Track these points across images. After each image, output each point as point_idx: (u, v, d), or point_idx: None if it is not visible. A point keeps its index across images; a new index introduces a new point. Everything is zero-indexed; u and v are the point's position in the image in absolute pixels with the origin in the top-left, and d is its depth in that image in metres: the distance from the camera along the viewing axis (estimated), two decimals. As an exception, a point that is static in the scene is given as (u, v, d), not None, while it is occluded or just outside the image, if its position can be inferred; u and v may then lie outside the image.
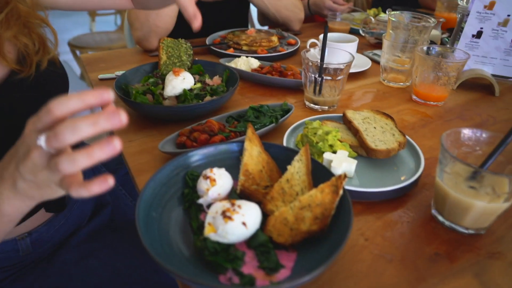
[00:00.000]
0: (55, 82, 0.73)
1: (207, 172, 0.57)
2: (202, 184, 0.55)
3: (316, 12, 1.72)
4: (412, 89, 0.98)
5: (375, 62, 1.24)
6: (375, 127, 0.74)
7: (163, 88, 0.87)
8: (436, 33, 1.31)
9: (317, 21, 1.86)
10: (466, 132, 0.58)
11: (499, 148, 0.53)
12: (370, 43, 1.44)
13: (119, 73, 1.09)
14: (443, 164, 0.56)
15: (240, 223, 0.47)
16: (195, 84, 0.89)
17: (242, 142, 0.64)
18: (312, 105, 0.91)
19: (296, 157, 0.59)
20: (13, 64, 0.63)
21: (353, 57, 0.88)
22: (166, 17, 1.20)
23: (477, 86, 1.06)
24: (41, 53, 0.68)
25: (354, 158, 0.71)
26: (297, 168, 0.58)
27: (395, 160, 0.70)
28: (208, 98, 0.85)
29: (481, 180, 0.52)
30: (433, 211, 0.60)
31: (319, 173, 0.57)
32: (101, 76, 1.08)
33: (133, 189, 1.00)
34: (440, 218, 0.59)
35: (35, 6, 0.69)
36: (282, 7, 1.47)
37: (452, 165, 0.54)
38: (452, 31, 1.43)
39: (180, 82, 0.85)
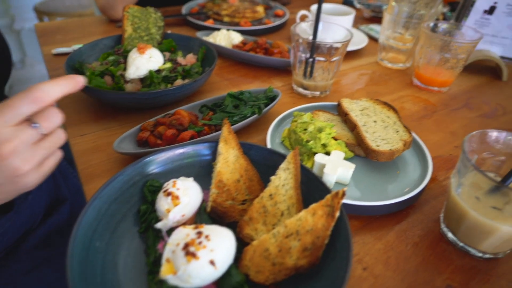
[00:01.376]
0: None
1: (169, 186, 0.45)
2: (162, 203, 0.44)
3: None
4: (414, 72, 0.86)
5: (372, 38, 1.11)
6: (375, 121, 0.62)
7: (125, 69, 0.73)
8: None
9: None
10: (494, 134, 0.47)
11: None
12: (365, 17, 1.30)
13: (78, 46, 0.93)
14: (461, 174, 0.45)
15: (207, 262, 0.36)
16: (164, 63, 0.75)
17: (216, 142, 0.52)
18: (301, 90, 0.79)
19: (283, 165, 0.47)
20: None
21: (352, 35, 0.75)
22: None
23: (483, 69, 0.95)
24: None
25: (351, 159, 0.60)
26: (283, 179, 0.46)
27: (397, 161, 0.60)
28: (179, 81, 0.72)
29: (507, 197, 0.42)
30: (443, 228, 0.50)
31: (311, 186, 0.46)
32: (55, 50, 0.93)
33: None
34: (451, 236, 0.49)
35: None
36: None
37: (473, 176, 0.43)
38: (454, 5, 1.30)
39: (145, 62, 0.71)
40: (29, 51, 2.92)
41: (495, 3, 0.88)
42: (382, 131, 0.60)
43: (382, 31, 0.92)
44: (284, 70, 0.89)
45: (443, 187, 0.57)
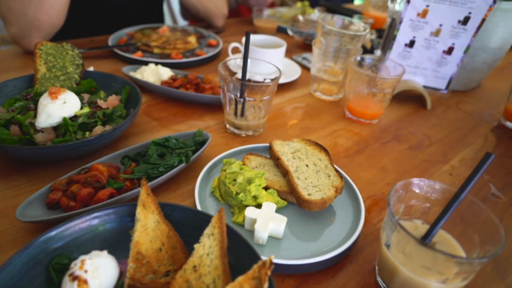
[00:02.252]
0: None
1: (76, 268, 0.39)
2: (66, 292, 0.37)
3: (244, 2, 1.56)
4: (346, 104, 0.88)
5: (305, 68, 1.12)
6: (307, 165, 0.61)
7: (35, 116, 0.65)
8: (366, 35, 1.23)
9: (242, 15, 1.70)
10: (416, 183, 0.47)
11: (443, 216, 0.42)
12: (299, 45, 1.32)
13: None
14: (389, 228, 0.44)
15: None
16: (81, 108, 0.68)
17: (134, 205, 0.47)
18: (234, 129, 0.76)
19: (207, 230, 0.43)
20: None
21: (280, 72, 0.74)
22: (51, 10, 0.95)
23: (409, 98, 1.00)
24: None
25: (284, 208, 0.57)
26: (208, 247, 0.42)
27: (330, 207, 0.58)
28: (99, 127, 0.66)
29: (432, 253, 0.42)
30: (378, 279, 0.49)
31: (240, 252, 0.43)
32: (-43, 91, 0.82)
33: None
34: None
35: None
36: None
37: (398, 231, 0.43)
38: (381, 32, 1.37)
39: (59, 108, 0.64)
40: None
41: (414, 37, 0.93)
42: (314, 176, 0.58)
43: (312, 64, 0.93)
44: (217, 106, 0.86)
45: (377, 231, 0.57)
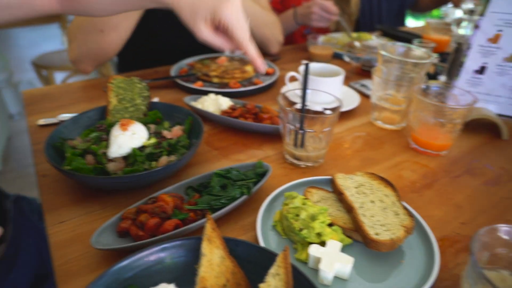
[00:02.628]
0: None
1: (145, 302, 0.40)
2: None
3: (304, 22, 1.55)
4: (410, 134, 0.84)
5: (364, 95, 1.10)
6: (372, 201, 0.58)
7: (108, 146, 0.70)
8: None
9: (296, 42, 1.72)
10: (504, 229, 0.43)
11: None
12: (356, 71, 1.30)
13: (64, 116, 0.91)
14: (472, 278, 0.40)
15: None
16: (148, 139, 0.72)
17: (199, 239, 0.47)
18: (293, 160, 0.76)
19: (272, 270, 0.42)
20: None
21: (341, 103, 0.73)
22: (111, 44, 1.03)
23: (481, 126, 0.93)
24: None
25: (349, 246, 0.55)
26: (274, 287, 0.41)
27: (400, 247, 0.55)
28: (164, 158, 0.68)
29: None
30: (458, 332, 0.45)
31: (305, 294, 0.41)
32: (41, 121, 0.90)
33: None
34: None
35: None
36: (262, 24, 1.31)
37: (485, 286, 0.38)
38: (444, 55, 1.31)
39: (128, 139, 0.68)
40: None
41: (485, 63, 0.87)
42: (380, 214, 0.55)
43: (373, 92, 0.91)
44: (275, 135, 0.86)
45: (454, 277, 0.52)
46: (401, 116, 0.90)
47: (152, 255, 0.47)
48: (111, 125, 0.75)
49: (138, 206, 0.58)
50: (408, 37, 1.46)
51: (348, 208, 0.57)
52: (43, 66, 2.74)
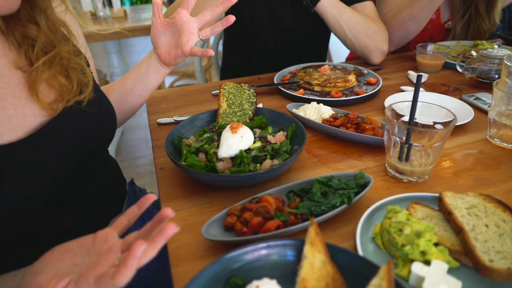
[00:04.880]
0: (88, 122, 0.70)
1: (252, 292, 0.44)
2: (243, 312, 0.42)
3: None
4: (535, 156, 0.75)
5: (479, 110, 1.00)
6: (487, 225, 0.54)
7: (218, 146, 0.77)
8: None
9: (410, 50, 1.64)
10: None
11: None
12: (470, 82, 1.20)
13: (178, 118, 1.02)
14: None
15: None
16: (254, 142, 0.77)
17: (301, 240, 0.50)
18: (395, 173, 0.74)
19: (374, 281, 0.43)
20: (46, 105, 0.62)
21: (455, 118, 0.68)
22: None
23: None
24: (75, 94, 0.66)
25: (456, 270, 0.52)
26: (375, 299, 0.41)
27: (517, 279, 0.50)
28: (268, 161, 0.72)
29: None
30: None
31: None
32: (160, 120, 1.03)
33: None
34: None
35: (75, 53, 0.70)
36: (362, 33, 1.28)
37: None
38: None
39: (237, 142, 0.74)
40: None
41: None
42: (496, 240, 0.51)
43: (492, 107, 0.83)
44: (376, 147, 0.84)
45: None
46: (525, 135, 0.81)
47: (257, 251, 0.51)
48: (222, 128, 0.82)
49: (243, 205, 0.63)
50: (537, 46, 1.28)
51: (457, 230, 0.54)
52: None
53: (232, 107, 0.90)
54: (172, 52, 0.84)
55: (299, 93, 1.12)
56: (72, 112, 0.66)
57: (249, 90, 0.92)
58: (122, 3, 2.93)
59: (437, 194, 0.63)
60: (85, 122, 0.69)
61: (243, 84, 0.93)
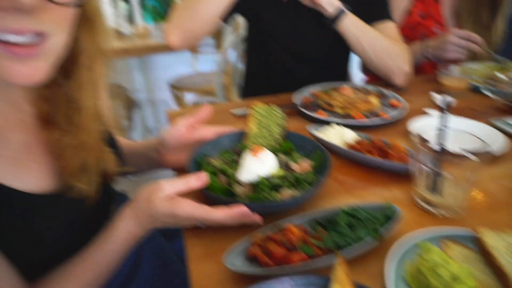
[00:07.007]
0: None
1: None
2: None
3: (436, 57, 1.44)
4: None
5: (509, 135, 0.96)
6: (530, 269, 0.50)
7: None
8: None
9: (425, 72, 1.60)
10: None
11: None
12: (498, 107, 1.16)
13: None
14: None
15: None
16: (277, 169, 0.74)
17: (326, 279, 0.47)
18: (425, 205, 0.70)
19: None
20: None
21: (490, 148, 0.65)
22: (206, 14, 1.19)
23: None
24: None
25: (497, 318, 0.48)
26: None
27: None
28: (286, 191, 0.70)
29: None
30: None
31: None
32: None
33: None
34: None
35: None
36: (384, 53, 1.26)
37: None
38: None
39: (257, 166, 0.72)
40: (162, 119, 3.39)
41: None
42: (542, 287, 0.47)
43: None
44: (403, 175, 0.81)
45: None
46: None
47: (280, 285, 0.48)
48: (244, 149, 0.80)
49: (267, 236, 0.60)
50: None
51: (498, 273, 0.50)
52: (178, 88, 3.12)
53: (262, 129, 0.88)
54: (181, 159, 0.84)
55: (320, 114, 1.09)
56: None
57: (279, 113, 0.90)
58: (144, 19, 2.98)
59: (472, 231, 0.59)
60: None
61: (273, 105, 0.91)
